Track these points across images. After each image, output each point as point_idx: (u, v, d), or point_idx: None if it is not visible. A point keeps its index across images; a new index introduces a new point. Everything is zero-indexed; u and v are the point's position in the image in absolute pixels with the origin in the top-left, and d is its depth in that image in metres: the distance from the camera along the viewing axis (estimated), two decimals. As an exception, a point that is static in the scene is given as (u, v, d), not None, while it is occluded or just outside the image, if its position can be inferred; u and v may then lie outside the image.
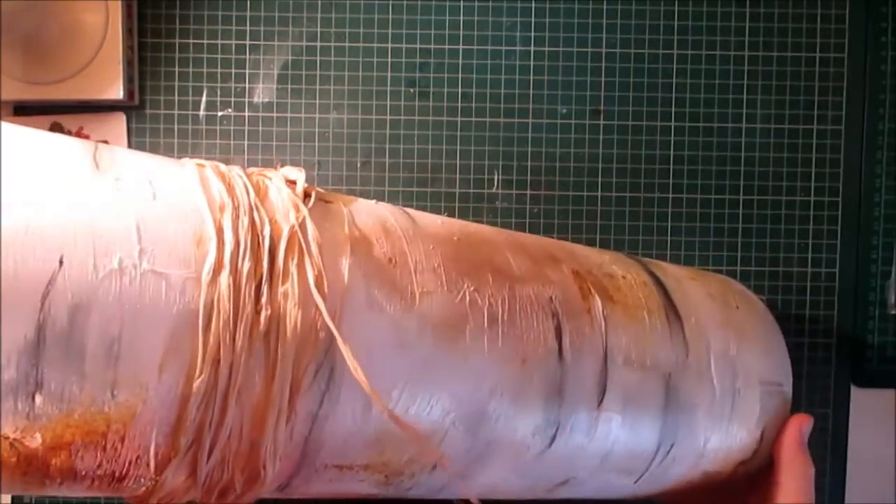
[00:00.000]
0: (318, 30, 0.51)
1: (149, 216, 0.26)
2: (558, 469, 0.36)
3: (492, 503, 0.37)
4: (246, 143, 0.51)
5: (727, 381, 0.39)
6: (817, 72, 0.52)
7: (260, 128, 0.51)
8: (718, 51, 0.52)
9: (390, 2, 0.51)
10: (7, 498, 0.51)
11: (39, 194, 0.25)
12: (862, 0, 0.51)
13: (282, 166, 0.33)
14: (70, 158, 0.27)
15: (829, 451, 0.52)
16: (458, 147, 0.51)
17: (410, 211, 0.36)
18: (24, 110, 0.51)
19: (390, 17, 0.51)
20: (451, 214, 0.51)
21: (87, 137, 0.51)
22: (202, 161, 0.31)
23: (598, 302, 0.36)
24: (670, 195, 0.52)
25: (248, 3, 0.51)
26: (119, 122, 0.51)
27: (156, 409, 0.25)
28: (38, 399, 0.24)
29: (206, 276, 0.26)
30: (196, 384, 0.25)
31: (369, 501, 0.40)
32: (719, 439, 0.39)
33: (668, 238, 0.52)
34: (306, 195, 0.31)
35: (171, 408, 0.26)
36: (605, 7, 0.51)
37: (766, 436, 0.40)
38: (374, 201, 0.36)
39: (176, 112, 0.51)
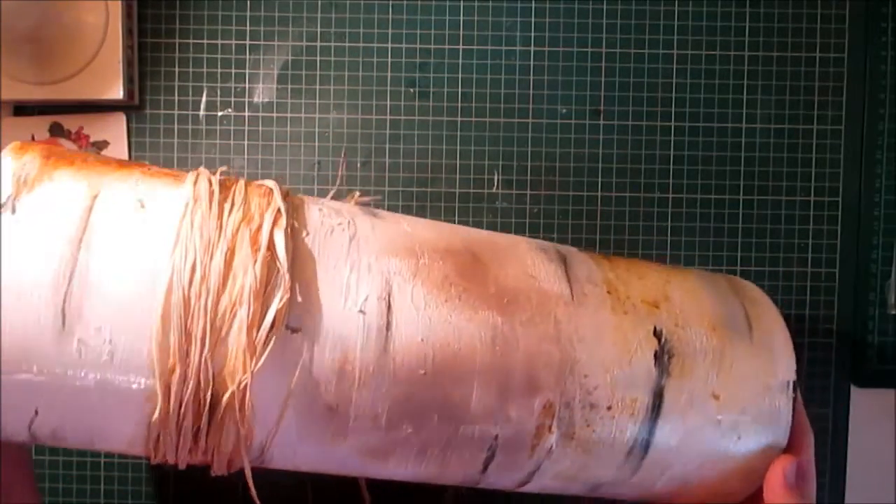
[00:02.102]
0: (318, 30, 0.51)
1: (106, 377, 0.31)
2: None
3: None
4: (246, 143, 0.51)
5: (671, 486, 0.38)
6: (817, 72, 0.52)
7: (260, 128, 0.51)
8: (718, 51, 0.52)
9: (390, 2, 0.51)
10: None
11: (14, 362, 0.31)
12: (862, 0, 0.51)
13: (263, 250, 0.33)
14: (39, 316, 0.31)
15: (829, 451, 0.52)
16: (458, 147, 0.51)
17: (399, 308, 0.34)
18: (24, 110, 0.51)
19: (390, 17, 0.51)
20: (451, 215, 0.51)
21: (86, 137, 0.51)
22: (173, 278, 0.32)
23: (553, 439, 0.35)
24: (670, 195, 0.52)
25: (248, 3, 0.51)
26: (119, 122, 0.51)
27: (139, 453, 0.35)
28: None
29: (151, 431, 0.32)
30: (153, 461, 0.34)
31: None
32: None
33: (668, 238, 0.52)
34: (275, 322, 0.32)
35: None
36: (605, 7, 0.51)
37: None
38: (371, 258, 0.35)
39: (176, 112, 0.51)
